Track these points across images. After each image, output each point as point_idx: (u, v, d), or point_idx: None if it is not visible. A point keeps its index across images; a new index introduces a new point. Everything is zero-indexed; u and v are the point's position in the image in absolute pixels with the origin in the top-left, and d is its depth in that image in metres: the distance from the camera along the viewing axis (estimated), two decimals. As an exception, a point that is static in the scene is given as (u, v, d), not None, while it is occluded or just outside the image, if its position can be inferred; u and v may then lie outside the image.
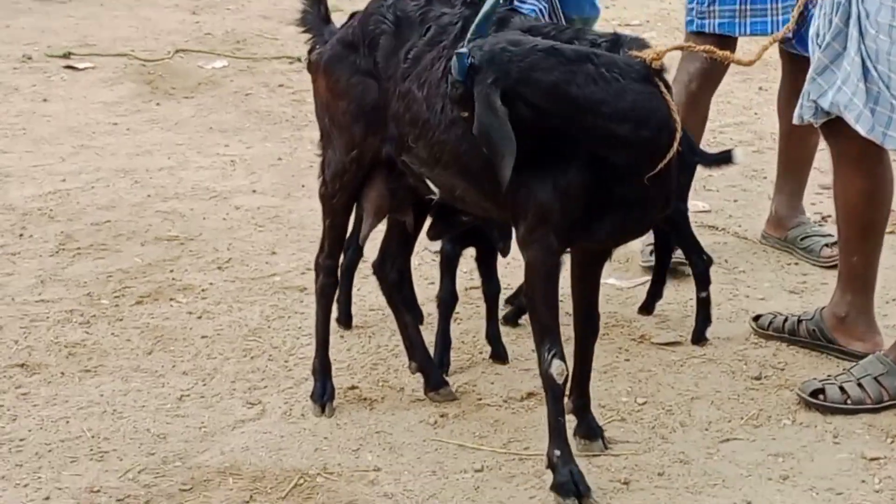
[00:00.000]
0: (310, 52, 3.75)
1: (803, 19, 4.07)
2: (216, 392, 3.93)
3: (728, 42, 4.54)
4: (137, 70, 7.28)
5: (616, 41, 3.22)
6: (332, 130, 3.64)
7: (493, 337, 4.09)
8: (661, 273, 4.31)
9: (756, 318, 4.25)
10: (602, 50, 3.19)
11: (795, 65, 4.54)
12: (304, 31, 3.79)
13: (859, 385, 3.78)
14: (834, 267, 4.67)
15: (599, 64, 3.10)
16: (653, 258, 4.39)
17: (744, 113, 6.62)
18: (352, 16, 3.67)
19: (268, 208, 5.32)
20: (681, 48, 3.63)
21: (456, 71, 3.09)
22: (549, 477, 3.41)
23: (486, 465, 3.54)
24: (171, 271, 4.72)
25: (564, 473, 3.36)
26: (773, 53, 4.50)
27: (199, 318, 4.38)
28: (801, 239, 4.82)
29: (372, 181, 3.64)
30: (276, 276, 4.69)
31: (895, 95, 3.56)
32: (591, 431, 3.60)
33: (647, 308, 4.31)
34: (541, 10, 4.02)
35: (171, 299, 4.50)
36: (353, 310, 4.32)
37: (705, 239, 4.86)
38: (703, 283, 4.23)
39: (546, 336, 3.33)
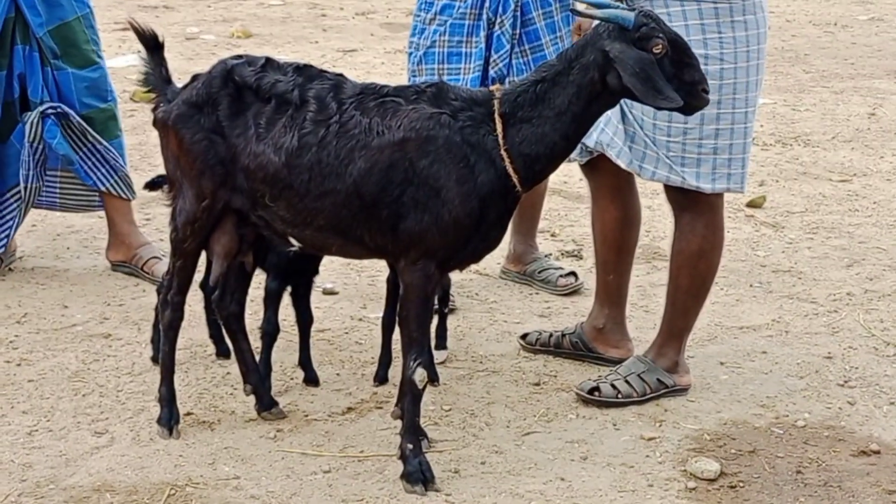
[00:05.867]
0: (154, 109, 4.17)
1: None
2: (62, 426, 4.25)
3: None
4: None
5: None
6: (183, 182, 4.04)
7: (306, 363, 4.59)
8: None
9: (523, 337, 4.90)
10: None
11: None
12: (148, 91, 4.20)
13: (626, 381, 4.49)
14: (570, 294, 5.45)
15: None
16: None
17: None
18: (194, 77, 4.12)
19: (42, 269, 5.61)
20: None
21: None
22: (390, 473, 3.97)
23: (332, 467, 4.03)
24: (-29, 328, 4.99)
25: (414, 464, 3.91)
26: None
27: (19, 365, 4.67)
28: (539, 272, 5.55)
29: (222, 227, 4.08)
30: (76, 326, 5.02)
31: (647, 134, 4.32)
32: (417, 432, 4.16)
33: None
34: None
35: (-19, 351, 4.78)
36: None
37: (453, 277, 5.52)
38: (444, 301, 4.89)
39: (414, 347, 3.91)
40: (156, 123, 4.15)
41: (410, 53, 5.26)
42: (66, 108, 5.41)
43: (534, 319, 5.22)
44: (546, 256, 5.80)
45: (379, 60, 9.87)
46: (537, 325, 5.13)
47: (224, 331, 4.46)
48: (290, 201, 3.90)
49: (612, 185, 4.62)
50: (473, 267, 5.73)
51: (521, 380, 4.66)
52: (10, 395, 4.45)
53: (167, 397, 4.22)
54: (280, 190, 3.90)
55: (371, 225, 3.87)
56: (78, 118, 5.42)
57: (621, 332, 4.79)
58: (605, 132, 4.39)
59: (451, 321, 5.06)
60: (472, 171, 3.79)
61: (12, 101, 5.41)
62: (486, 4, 5.04)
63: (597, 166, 4.57)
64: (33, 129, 5.36)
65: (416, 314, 3.91)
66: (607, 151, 4.40)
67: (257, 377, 4.32)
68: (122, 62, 9.39)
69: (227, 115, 3.97)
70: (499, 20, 5.06)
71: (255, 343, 4.47)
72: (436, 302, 4.81)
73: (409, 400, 3.96)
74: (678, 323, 4.54)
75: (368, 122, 3.83)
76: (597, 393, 4.46)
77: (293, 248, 4.08)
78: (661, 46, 3.72)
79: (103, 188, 5.53)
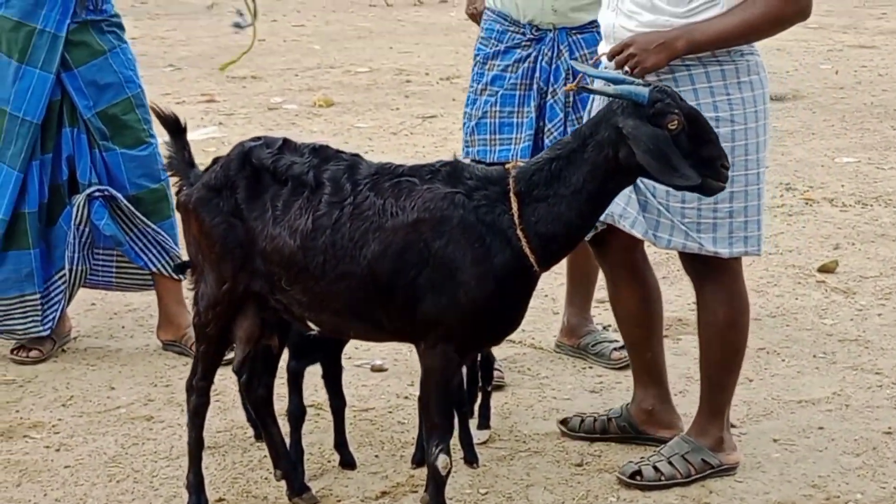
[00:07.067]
0: (177, 193, 4.15)
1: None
2: (92, 514, 4.22)
3: None
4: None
5: None
6: (204, 265, 4.01)
7: (342, 446, 4.51)
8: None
9: (564, 422, 4.73)
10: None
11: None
12: (172, 175, 4.18)
13: (670, 463, 4.34)
14: (623, 368, 5.30)
15: None
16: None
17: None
18: (214, 161, 4.09)
19: (95, 349, 5.62)
20: None
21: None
22: (419, 560, 3.87)
23: (359, 555, 3.95)
24: (17, 411, 4.97)
25: (440, 553, 3.81)
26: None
27: (58, 450, 4.65)
28: (593, 345, 5.42)
29: (244, 311, 4.03)
30: (120, 408, 5.00)
31: (660, 202, 4.20)
32: (449, 520, 4.06)
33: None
34: None
35: (24, 436, 4.76)
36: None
37: (505, 351, 5.45)
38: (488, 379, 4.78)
39: (435, 433, 3.83)
40: (178, 207, 4.13)
41: (464, 124, 5.26)
42: (114, 192, 5.42)
43: (584, 396, 5.09)
44: (605, 328, 5.67)
45: (457, 126, 9.79)
46: (588, 401, 5.01)
47: (254, 415, 4.39)
48: (306, 285, 3.83)
49: (628, 261, 4.51)
50: (527, 341, 5.64)
51: (564, 460, 4.53)
52: (45, 481, 4.43)
53: (195, 484, 4.16)
54: (296, 273, 3.84)
55: (388, 308, 3.79)
56: (125, 202, 5.43)
57: (670, 410, 4.64)
58: (617, 203, 4.24)
59: (499, 398, 4.97)
60: (488, 251, 3.70)
61: (60, 183, 5.44)
62: (537, 74, 5.01)
63: (609, 245, 4.46)
64: (80, 212, 5.38)
65: (437, 399, 3.83)
66: (620, 223, 4.27)
67: (288, 462, 4.25)
68: (200, 134, 9.45)
69: (245, 197, 3.92)
70: (550, 89, 5.02)
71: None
72: (478, 379, 4.74)
73: (433, 487, 3.87)
74: (717, 398, 4.40)
75: (383, 203, 3.76)
76: (639, 477, 4.32)
77: (312, 332, 4.02)
78: (676, 122, 3.62)
79: (154, 269, 5.53)
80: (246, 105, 10.85)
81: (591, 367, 5.36)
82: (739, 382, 5.06)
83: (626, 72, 4.02)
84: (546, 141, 5.02)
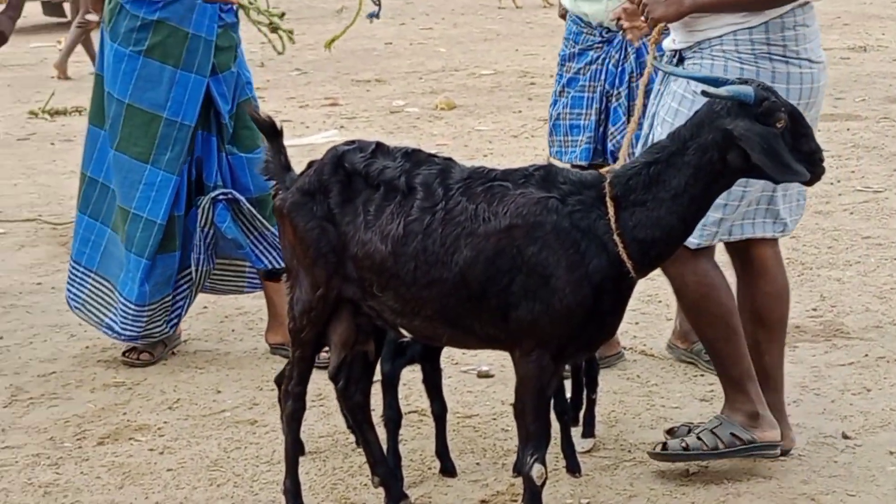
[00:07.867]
0: (274, 196, 4.12)
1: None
2: (192, 518, 4.22)
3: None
4: (48, 233, 7.59)
5: None
6: (299, 270, 3.99)
7: (442, 453, 4.45)
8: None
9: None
10: None
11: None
12: (268, 179, 4.15)
13: (698, 437, 4.31)
14: (737, 376, 5.16)
15: None
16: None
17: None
18: (309, 164, 4.06)
19: (204, 352, 5.64)
20: None
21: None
22: (517, 570, 3.79)
23: (458, 564, 3.89)
24: (125, 413, 5.01)
25: (537, 562, 3.73)
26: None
27: (161, 453, 4.66)
28: (706, 352, 5.28)
29: (339, 316, 4.00)
30: (225, 412, 5.00)
31: None
32: (548, 531, 3.98)
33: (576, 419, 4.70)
34: None
35: (130, 439, 4.78)
36: (304, 437, 4.60)
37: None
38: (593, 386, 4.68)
39: (530, 442, 3.76)
40: (274, 211, 4.11)
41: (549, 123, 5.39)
42: (237, 195, 5.44)
43: (694, 404, 4.96)
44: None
45: (579, 129, 9.71)
46: (697, 410, 4.88)
47: (351, 421, 4.36)
48: (398, 291, 3.79)
49: (760, 258, 4.38)
50: (638, 347, 5.53)
51: (670, 470, 4.41)
52: (148, 484, 4.44)
53: (292, 490, 4.13)
54: (387, 279, 3.79)
55: (480, 315, 3.72)
56: (248, 204, 5.44)
57: (780, 420, 4.47)
58: None
59: (606, 406, 4.87)
60: (583, 257, 3.62)
61: (189, 185, 5.48)
62: (603, 77, 5.09)
63: (742, 241, 4.36)
64: (204, 214, 5.41)
65: (532, 407, 3.76)
66: None
67: (385, 468, 4.20)
68: (321, 138, 9.48)
69: (337, 202, 3.89)
70: (615, 92, 5.08)
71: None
72: (583, 387, 4.66)
73: (528, 497, 3.80)
74: (729, 371, 4.34)
75: (475, 208, 3.70)
76: (665, 448, 4.31)
77: (406, 339, 3.97)
78: (783, 120, 3.54)
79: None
80: (368, 108, 10.87)
81: (702, 375, 5.23)
82: (856, 393, 4.95)
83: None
84: (610, 145, 5.09)
